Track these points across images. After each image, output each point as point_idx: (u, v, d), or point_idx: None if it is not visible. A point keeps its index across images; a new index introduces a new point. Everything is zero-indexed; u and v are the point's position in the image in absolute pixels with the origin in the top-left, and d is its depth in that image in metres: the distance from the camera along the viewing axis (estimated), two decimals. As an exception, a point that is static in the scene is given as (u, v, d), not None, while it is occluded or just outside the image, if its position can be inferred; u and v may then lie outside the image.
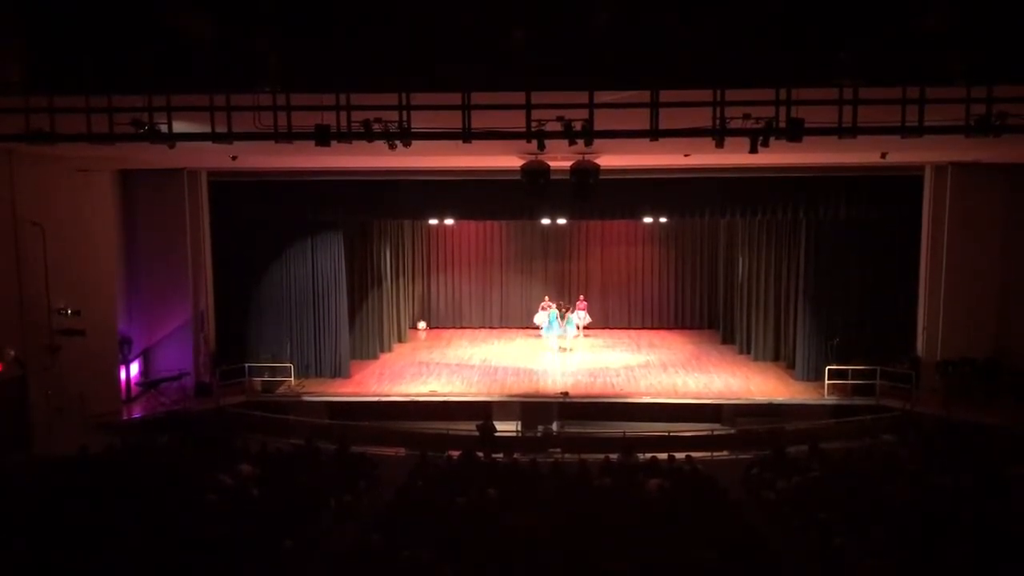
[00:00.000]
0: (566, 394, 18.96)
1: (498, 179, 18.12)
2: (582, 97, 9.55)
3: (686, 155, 15.46)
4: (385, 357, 22.93)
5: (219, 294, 20.65)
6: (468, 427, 16.79)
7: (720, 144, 10.02)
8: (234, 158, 15.88)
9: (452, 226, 25.35)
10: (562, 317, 23.34)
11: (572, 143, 9.98)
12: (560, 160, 13.33)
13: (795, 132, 9.57)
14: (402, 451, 16.10)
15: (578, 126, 9.72)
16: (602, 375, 20.88)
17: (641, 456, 13.36)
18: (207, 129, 9.97)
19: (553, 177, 13.41)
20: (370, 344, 22.79)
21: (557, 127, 9.77)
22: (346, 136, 9.91)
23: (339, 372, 20.97)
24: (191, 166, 18.84)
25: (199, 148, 12.17)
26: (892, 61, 9.21)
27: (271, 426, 17.57)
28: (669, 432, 16.73)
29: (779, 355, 21.74)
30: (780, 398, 18.89)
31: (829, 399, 18.80)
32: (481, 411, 17.85)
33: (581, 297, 24.87)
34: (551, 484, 11.90)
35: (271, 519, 10.03)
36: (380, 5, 9.43)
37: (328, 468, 12.99)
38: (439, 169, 18.70)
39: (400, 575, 8.54)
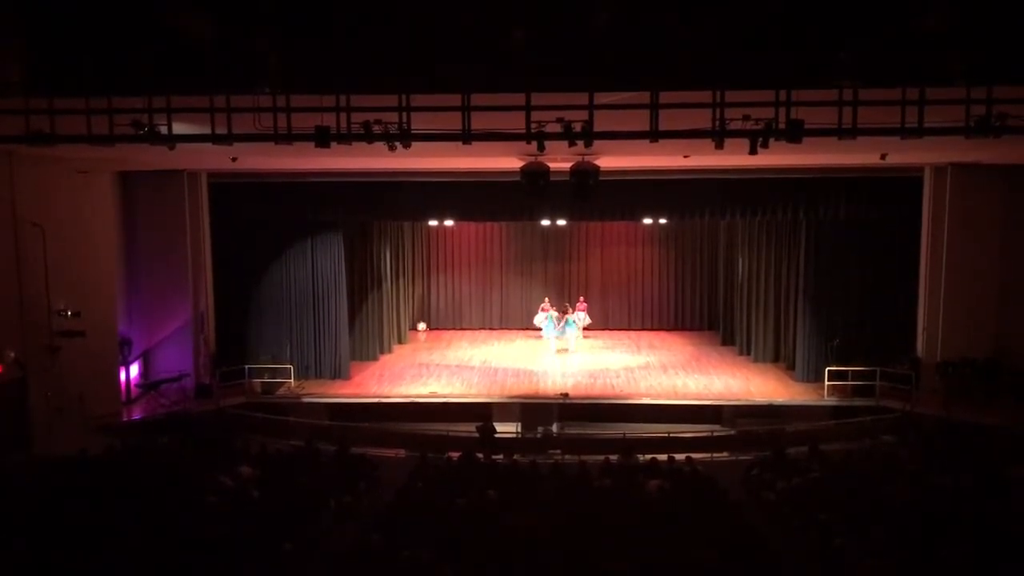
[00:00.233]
0: (566, 395, 18.96)
1: (498, 180, 18.13)
2: (582, 98, 9.56)
3: (686, 156, 15.48)
4: (385, 358, 22.92)
5: (219, 295, 20.64)
6: (468, 428, 16.78)
7: (720, 145, 10.04)
8: (234, 159, 15.89)
9: (452, 227, 25.33)
10: (559, 320, 23.31)
11: (572, 144, 9.99)
12: (560, 161, 13.34)
13: (795, 133, 9.58)
14: (402, 452, 16.09)
15: (578, 127, 9.73)
16: (602, 376, 20.88)
17: (641, 457, 13.36)
18: (207, 130, 9.99)
19: (553, 178, 13.42)
20: (370, 345, 22.78)
21: (557, 128, 9.78)
22: (346, 137, 9.92)
23: (339, 373, 20.96)
24: (191, 167, 18.84)
25: (199, 149, 12.18)
26: (892, 62, 9.23)
27: (271, 427, 17.56)
28: (669, 433, 16.72)
29: (779, 356, 21.74)
30: (780, 399, 18.89)
31: (829, 400, 18.79)
32: (481, 412, 17.83)
33: (581, 298, 24.87)
34: (551, 485, 11.89)
35: (271, 520, 10.02)
36: (380, 6, 9.44)
37: (328, 469, 12.98)
38: (439, 170, 18.70)
39: (400, 576, 8.54)
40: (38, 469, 12.68)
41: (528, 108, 9.59)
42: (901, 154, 15.45)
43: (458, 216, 21.60)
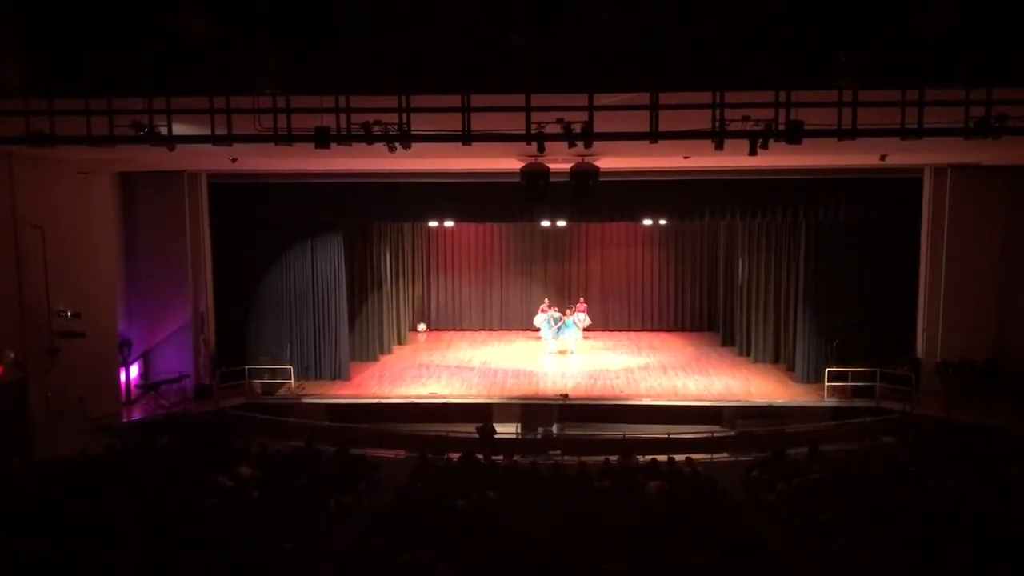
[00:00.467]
0: (566, 396, 18.95)
1: (498, 181, 18.15)
2: (582, 99, 9.56)
3: (686, 157, 15.50)
4: (385, 359, 22.92)
5: (219, 296, 20.64)
6: (468, 429, 16.78)
7: (720, 146, 10.05)
8: (234, 160, 15.88)
9: (452, 228, 25.34)
10: (558, 321, 23.28)
11: (572, 145, 10.00)
12: (560, 162, 13.34)
13: (795, 134, 9.58)
14: (402, 453, 16.09)
15: (578, 128, 9.72)
16: (602, 377, 20.87)
17: (641, 458, 13.35)
18: (207, 131, 9.98)
19: (553, 179, 13.42)
20: (370, 346, 22.78)
21: (557, 129, 9.77)
22: (346, 138, 9.93)
23: (339, 374, 20.96)
24: (191, 168, 18.85)
25: (199, 150, 12.19)
26: (891, 63, 9.22)
27: (271, 428, 17.55)
28: (669, 434, 16.72)
29: (779, 357, 21.73)
30: (780, 400, 18.89)
31: (829, 401, 18.79)
32: (481, 413, 17.83)
33: (581, 299, 24.87)
34: (551, 486, 11.89)
35: (271, 520, 10.02)
36: (380, 6, 9.44)
37: (328, 470, 12.98)
38: (439, 171, 18.70)
39: (400, 577, 8.54)
40: (38, 470, 12.67)
41: (528, 109, 9.58)
42: (901, 155, 15.46)
43: (458, 217, 21.59)
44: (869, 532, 9.39)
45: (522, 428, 17.84)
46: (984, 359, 18.24)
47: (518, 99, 9.55)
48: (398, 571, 8.53)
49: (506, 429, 17.40)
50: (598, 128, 9.71)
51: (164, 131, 10.03)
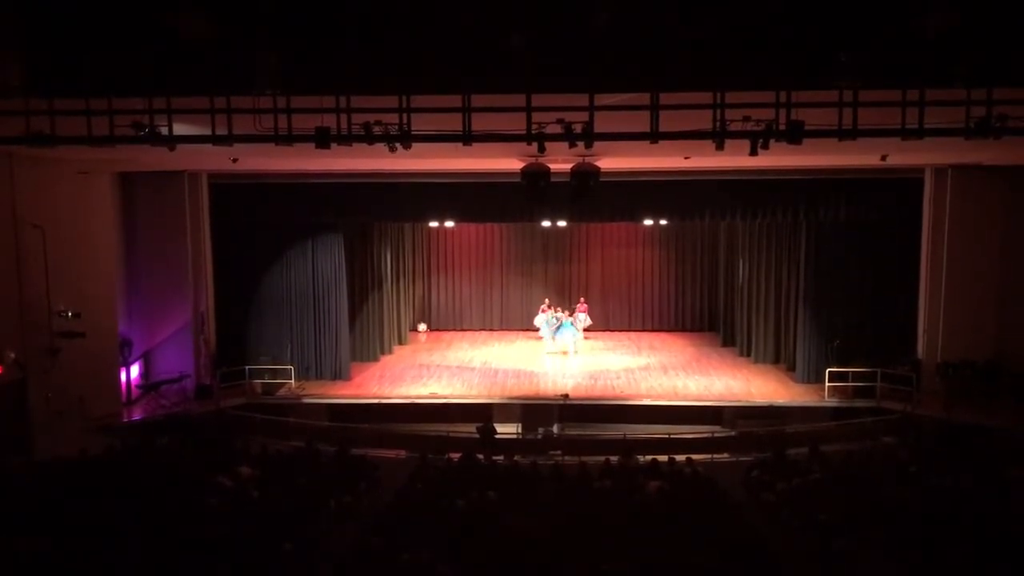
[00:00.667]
0: (566, 396, 18.95)
1: (498, 181, 18.14)
2: (582, 99, 9.56)
3: (686, 157, 15.49)
4: (385, 359, 22.92)
5: (219, 296, 20.65)
6: (468, 429, 16.77)
7: (720, 146, 10.04)
8: (234, 160, 15.89)
9: (452, 228, 25.33)
10: (557, 321, 23.27)
11: (572, 145, 10.00)
12: (560, 163, 13.34)
13: (795, 134, 9.58)
14: (402, 453, 16.09)
15: (578, 128, 9.72)
16: (602, 377, 20.87)
17: (641, 458, 13.35)
18: (207, 131, 9.98)
19: (553, 180, 13.41)
20: (370, 346, 22.78)
21: (557, 129, 9.77)
22: (346, 138, 9.93)
23: (339, 374, 20.97)
24: (191, 168, 18.85)
25: (199, 150, 12.18)
26: (892, 63, 9.22)
27: (271, 428, 17.55)
28: (669, 434, 16.73)
29: (779, 357, 21.73)
30: (780, 400, 18.88)
31: (829, 401, 18.79)
32: (481, 413, 17.83)
33: (582, 299, 24.86)
34: (551, 486, 11.88)
35: (271, 520, 10.02)
36: (380, 6, 9.44)
37: (328, 470, 12.98)
38: (439, 171, 18.70)
39: (400, 577, 8.53)
40: (38, 470, 12.68)
41: (528, 109, 9.59)
42: (901, 155, 15.46)
43: (458, 217, 21.59)
44: (869, 532, 9.38)
45: (522, 428, 17.84)
46: (984, 359, 18.24)
47: (518, 99, 9.55)
48: (398, 571, 8.53)
49: (506, 429, 17.40)
50: (598, 128, 9.71)
51: (164, 131, 10.04)
